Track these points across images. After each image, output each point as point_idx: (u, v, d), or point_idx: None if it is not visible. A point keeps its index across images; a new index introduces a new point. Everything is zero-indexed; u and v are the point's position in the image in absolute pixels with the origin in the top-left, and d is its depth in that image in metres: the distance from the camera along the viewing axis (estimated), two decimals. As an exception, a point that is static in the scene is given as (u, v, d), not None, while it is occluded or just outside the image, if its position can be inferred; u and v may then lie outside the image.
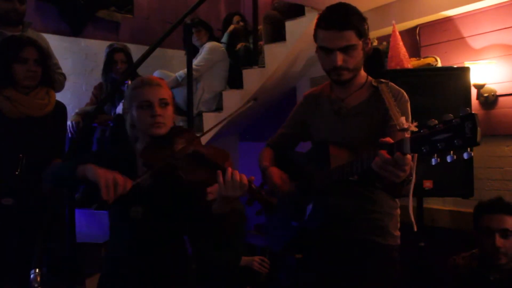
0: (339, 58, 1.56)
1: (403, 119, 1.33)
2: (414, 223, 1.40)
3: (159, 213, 1.60)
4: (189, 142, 1.58)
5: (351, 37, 1.56)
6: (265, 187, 1.71)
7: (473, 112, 1.07)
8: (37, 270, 1.41)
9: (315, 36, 1.65)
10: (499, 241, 1.98)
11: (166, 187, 1.59)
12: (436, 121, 1.13)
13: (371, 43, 1.72)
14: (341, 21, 1.55)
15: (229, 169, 1.41)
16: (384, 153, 1.25)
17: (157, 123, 1.58)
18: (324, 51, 1.61)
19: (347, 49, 1.57)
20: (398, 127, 1.33)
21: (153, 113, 1.57)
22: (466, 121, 1.07)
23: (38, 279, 1.38)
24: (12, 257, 2.29)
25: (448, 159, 1.11)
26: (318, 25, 1.62)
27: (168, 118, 1.62)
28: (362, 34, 1.59)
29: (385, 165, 1.26)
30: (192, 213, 1.64)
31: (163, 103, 1.60)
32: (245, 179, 1.41)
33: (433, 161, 1.14)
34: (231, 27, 4.38)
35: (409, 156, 1.23)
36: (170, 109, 1.63)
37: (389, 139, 1.29)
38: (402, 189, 1.43)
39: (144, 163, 1.55)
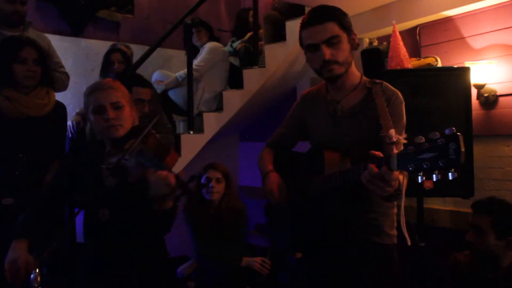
0: (326, 52, 1.56)
1: (392, 131, 1.33)
2: (407, 238, 1.42)
3: (125, 214, 1.61)
4: (142, 140, 1.56)
5: (334, 28, 1.56)
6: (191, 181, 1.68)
7: (458, 133, 1.08)
8: (37, 270, 1.41)
9: (300, 40, 1.66)
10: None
11: (128, 187, 1.60)
12: (424, 138, 1.15)
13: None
14: (321, 14, 1.58)
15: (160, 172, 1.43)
16: (373, 167, 1.27)
17: (112, 126, 1.61)
18: (310, 50, 1.61)
19: (332, 42, 1.57)
20: (387, 140, 1.33)
21: (106, 116, 1.60)
22: (451, 141, 1.08)
23: (38, 279, 1.39)
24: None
25: (434, 178, 1.13)
26: (301, 27, 1.64)
27: (124, 120, 1.64)
28: (345, 27, 1.60)
29: (372, 179, 1.27)
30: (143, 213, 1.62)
31: (116, 107, 1.63)
32: (171, 177, 1.41)
33: (419, 179, 1.16)
34: (248, 35, 4.34)
35: (396, 173, 1.24)
36: (126, 110, 1.65)
37: (379, 153, 1.30)
38: (392, 199, 1.44)
39: (106, 167, 1.60)
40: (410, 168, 1.16)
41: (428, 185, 2.47)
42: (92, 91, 1.66)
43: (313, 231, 1.69)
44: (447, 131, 1.09)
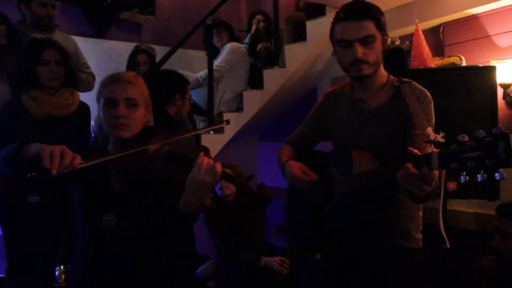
0: (359, 50, 1.52)
1: (429, 129, 1.28)
2: (446, 240, 1.38)
3: (134, 222, 1.44)
4: (164, 141, 1.45)
5: (370, 27, 1.52)
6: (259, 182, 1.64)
7: (505, 131, 1.04)
8: (62, 267, 1.43)
9: (332, 33, 1.61)
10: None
11: (141, 192, 1.46)
12: (467, 136, 1.10)
13: (390, 39, 1.67)
14: (360, 11, 1.53)
15: (202, 154, 1.34)
16: (410, 166, 1.21)
17: (119, 125, 1.43)
18: (342, 45, 1.56)
19: (366, 41, 1.52)
20: (424, 138, 1.28)
21: (115, 113, 1.42)
22: (500, 140, 1.04)
23: (63, 276, 1.41)
24: (37, 254, 2.34)
25: (479, 178, 1.07)
26: (336, 20, 1.58)
27: (135, 121, 1.46)
28: (381, 26, 1.55)
29: (410, 179, 1.22)
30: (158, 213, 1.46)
31: (131, 104, 1.45)
32: (218, 166, 1.32)
33: (462, 179, 1.11)
34: (253, 28, 4.38)
35: (436, 172, 1.19)
36: (139, 111, 1.48)
37: (416, 151, 1.24)
38: (424, 200, 1.40)
39: (116, 170, 1.45)
40: (453, 167, 1.11)
41: (451, 186, 2.43)
42: (107, 82, 1.49)
43: (335, 232, 1.67)
44: (494, 130, 1.05)
